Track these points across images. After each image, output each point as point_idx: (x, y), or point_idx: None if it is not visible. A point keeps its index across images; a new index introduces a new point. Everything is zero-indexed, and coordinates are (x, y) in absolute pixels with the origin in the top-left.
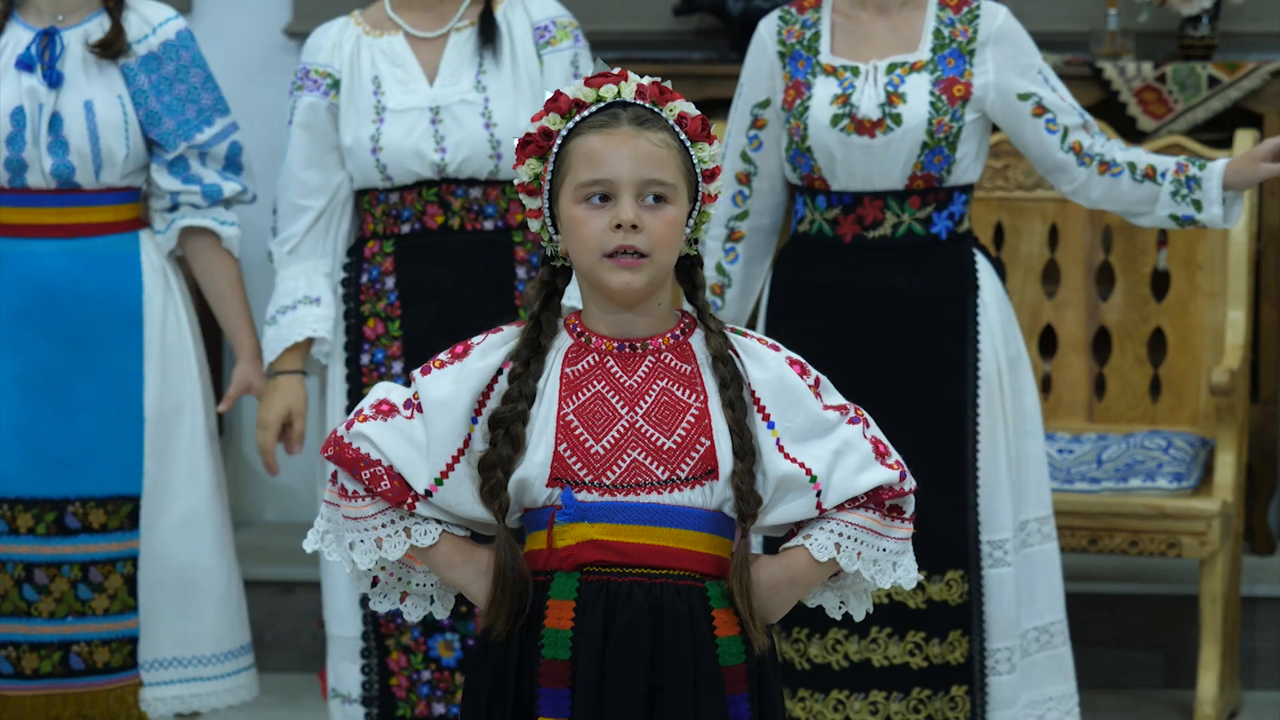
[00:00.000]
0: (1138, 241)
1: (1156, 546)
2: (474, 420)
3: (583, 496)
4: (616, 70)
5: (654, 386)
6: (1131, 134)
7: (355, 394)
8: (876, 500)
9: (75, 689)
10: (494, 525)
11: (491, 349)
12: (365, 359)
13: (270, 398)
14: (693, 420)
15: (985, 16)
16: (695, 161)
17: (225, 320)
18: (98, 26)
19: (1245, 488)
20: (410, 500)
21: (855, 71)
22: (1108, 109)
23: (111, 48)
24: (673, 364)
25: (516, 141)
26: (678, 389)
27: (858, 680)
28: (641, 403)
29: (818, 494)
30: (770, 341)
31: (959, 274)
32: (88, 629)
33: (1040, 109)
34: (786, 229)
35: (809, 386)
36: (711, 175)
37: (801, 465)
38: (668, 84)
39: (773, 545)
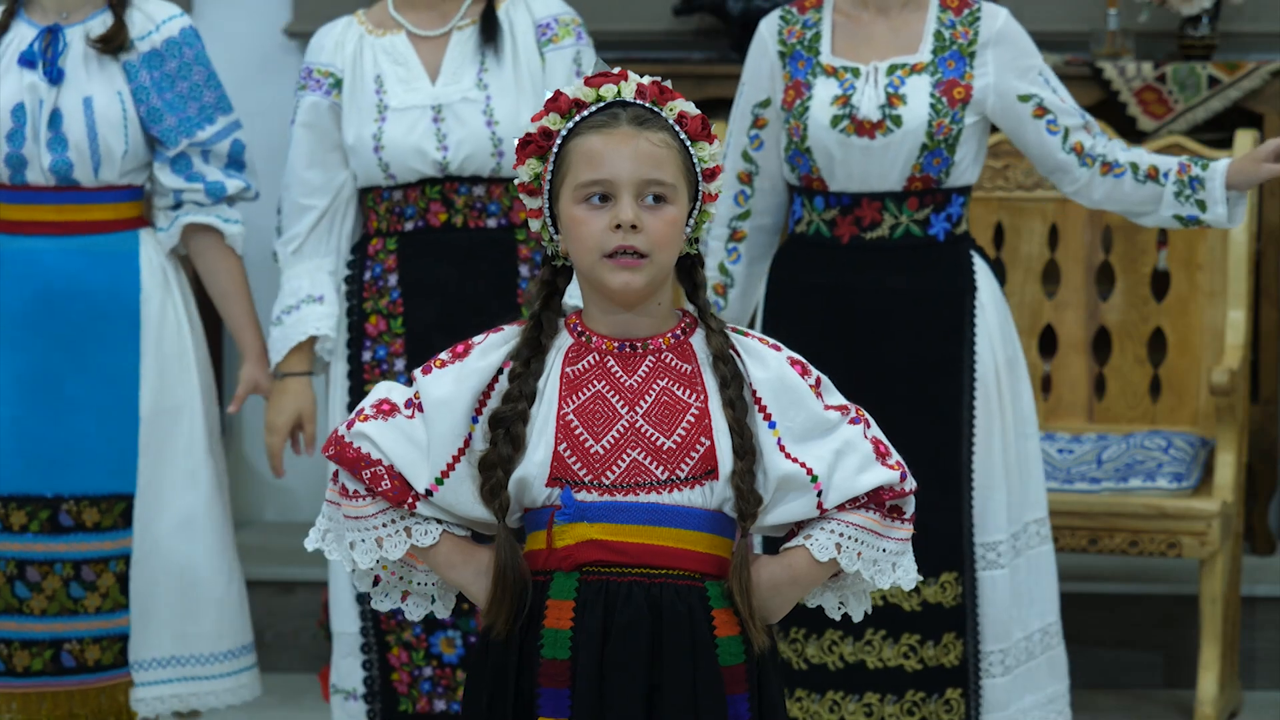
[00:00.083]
0: (1138, 241)
1: (1156, 546)
2: (474, 420)
3: (582, 496)
4: (616, 70)
5: (654, 386)
6: (1131, 134)
7: (357, 391)
8: (877, 500)
9: (66, 687)
10: (494, 525)
11: (492, 348)
12: (367, 356)
13: (279, 401)
14: (693, 420)
15: (986, 18)
16: (695, 161)
17: (230, 319)
18: (100, 24)
19: (1245, 488)
20: (411, 500)
21: (856, 72)
22: (1108, 109)
23: (113, 42)
24: (673, 363)
25: (517, 141)
26: (678, 388)
27: (853, 682)
28: (641, 402)
29: (818, 494)
30: (771, 341)
31: (956, 275)
32: (79, 627)
33: (1041, 110)
34: (787, 229)
35: (810, 386)
36: (712, 174)
37: (802, 465)
38: (668, 84)
39: (773, 545)
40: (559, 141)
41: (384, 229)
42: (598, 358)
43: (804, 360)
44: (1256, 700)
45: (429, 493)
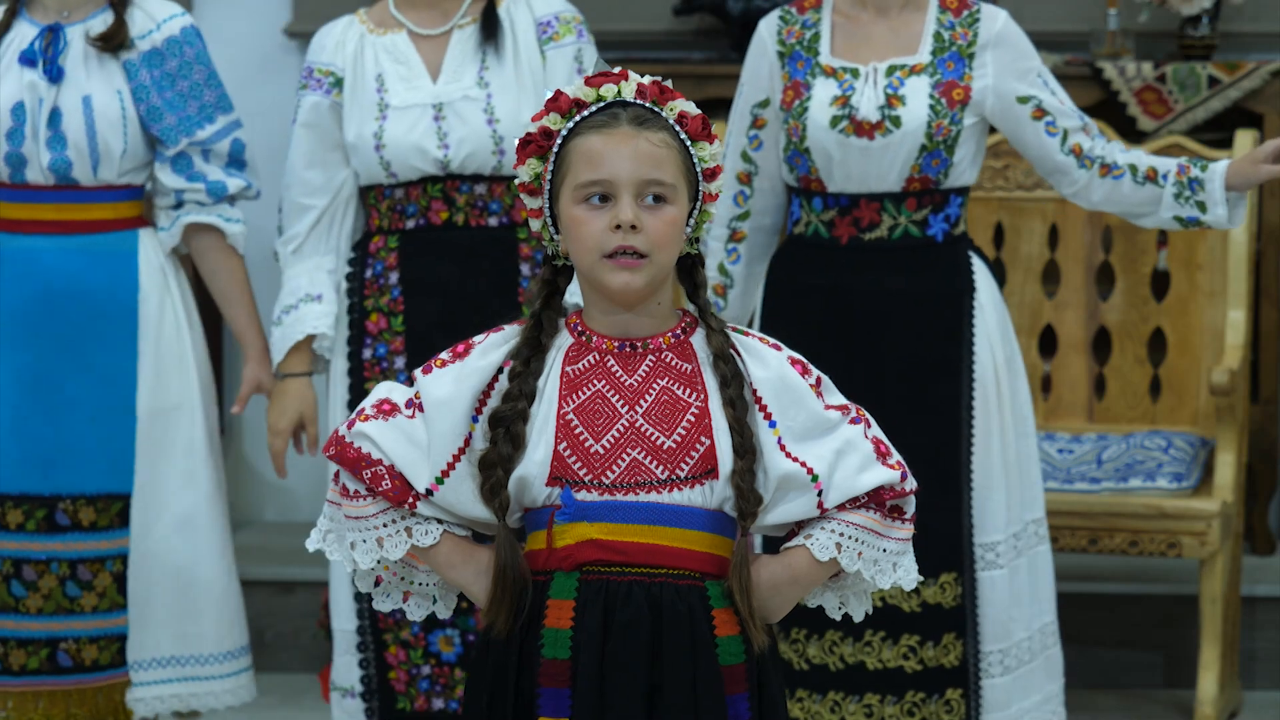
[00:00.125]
0: (1138, 241)
1: (1156, 546)
2: (475, 419)
3: (582, 496)
4: (617, 70)
5: (654, 385)
6: (1131, 134)
7: (357, 388)
8: (877, 500)
9: (63, 686)
10: (495, 525)
11: (492, 348)
12: (367, 354)
13: (281, 402)
14: (693, 419)
15: (985, 20)
16: (695, 161)
17: (232, 319)
18: (101, 22)
19: (1245, 488)
20: (411, 500)
21: (855, 73)
22: (1108, 109)
23: (113, 41)
24: (673, 363)
25: (517, 141)
26: (678, 388)
27: (853, 683)
28: (641, 402)
29: (819, 493)
30: (771, 340)
31: (955, 276)
32: (75, 626)
33: (1040, 112)
34: (785, 230)
35: (810, 386)
36: (712, 174)
37: (803, 464)
38: (668, 83)
39: (773, 545)
40: (559, 141)
41: (385, 227)
42: (598, 357)
43: (804, 360)
44: (1256, 700)
45: (429, 492)
